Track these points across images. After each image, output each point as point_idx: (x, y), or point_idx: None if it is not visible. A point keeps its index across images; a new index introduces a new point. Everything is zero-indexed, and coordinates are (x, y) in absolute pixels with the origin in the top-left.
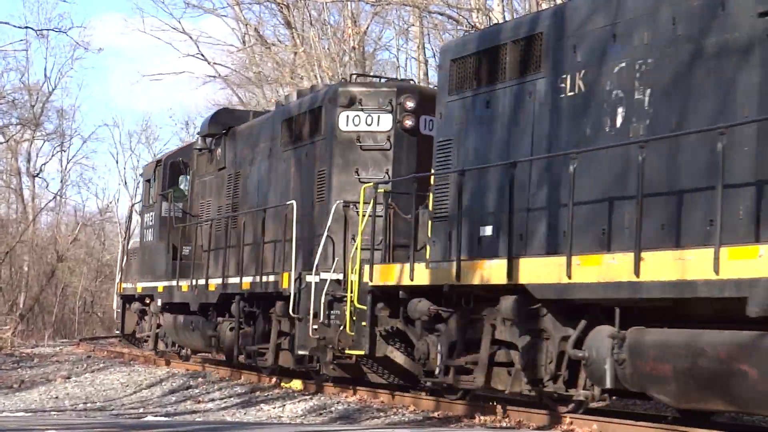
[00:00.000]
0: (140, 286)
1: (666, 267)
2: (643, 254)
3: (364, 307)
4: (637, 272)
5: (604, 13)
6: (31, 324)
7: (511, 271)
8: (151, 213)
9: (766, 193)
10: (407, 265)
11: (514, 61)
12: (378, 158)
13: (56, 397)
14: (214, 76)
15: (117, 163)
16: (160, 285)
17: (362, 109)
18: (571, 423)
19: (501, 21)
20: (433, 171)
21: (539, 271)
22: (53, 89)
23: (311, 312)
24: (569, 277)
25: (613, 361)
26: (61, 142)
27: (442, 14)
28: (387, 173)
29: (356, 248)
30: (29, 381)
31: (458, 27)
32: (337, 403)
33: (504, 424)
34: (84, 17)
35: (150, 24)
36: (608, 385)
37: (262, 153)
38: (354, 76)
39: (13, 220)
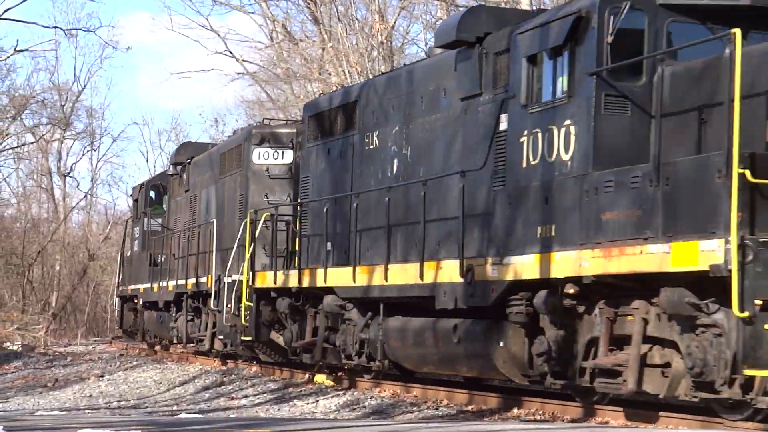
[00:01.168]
0: (130, 288)
1: (398, 275)
2: (390, 266)
3: (251, 303)
4: (386, 278)
5: (388, 90)
6: (63, 323)
7: (326, 278)
8: (137, 227)
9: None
10: (273, 272)
11: (343, 121)
12: (283, 184)
13: (90, 396)
14: (243, 73)
15: (147, 161)
16: (142, 287)
17: (270, 146)
18: (595, 415)
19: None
20: (299, 200)
21: (340, 277)
22: (83, 88)
23: (225, 306)
24: (355, 281)
25: (381, 341)
26: (91, 141)
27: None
28: (289, 197)
29: (246, 258)
30: (63, 380)
31: None
32: (371, 398)
33: (538, 417)
34: (112, 16)
35: (178, 22)
36: (379, 357)
37: (208, 179)
38: (265, 120)
39: (44, 220)
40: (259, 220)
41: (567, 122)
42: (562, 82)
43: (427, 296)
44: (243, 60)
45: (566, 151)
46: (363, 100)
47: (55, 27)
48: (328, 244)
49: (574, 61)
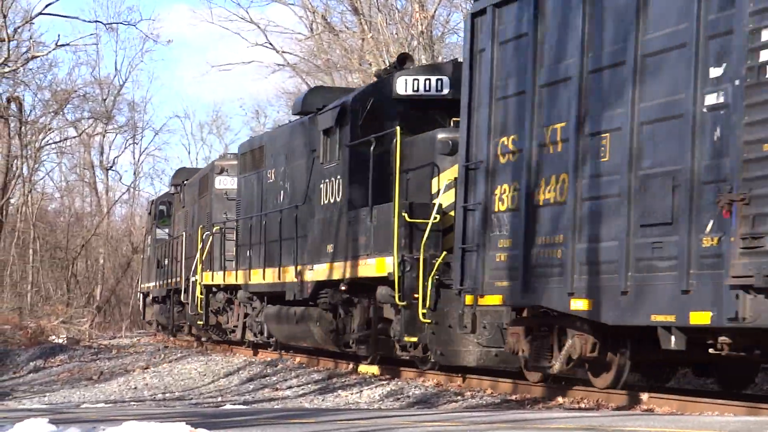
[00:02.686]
0: (145, 286)
1: (269, 276)
2: (267, 270)
3: (201, 297)
4: (263, 278)
5: (279, 139)
6: (107, 316)
7: (236, 278)
8: (150, 236)
9: (303, 244)
10: (211, 273)
11: (257, 159)
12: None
13: (135, 388)
14: (283, 65)
15: (189, 153)
16: (151, 285)
17: (228, 175)
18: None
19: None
20: (236, 218)
21: (243, 277)
22: (124, 82)
23: (189, 299)
24: (246, 279)
25: (264, 322)
26: (133, 134)
27: None
28: None
29: (200, 262)
30: (108, 372)
31: None
32: (414, 387)
33: (583, 405)
34: (153, 9)
35: (218, 14)
36: (266, 334)
37: (192, 199)
38: (228, 154)
39: (87, 214)
40: (212, 234)
41: (338, 177)
42: (335, 150)
43: (277, 291)
44: (283, 51)
45: (338, 195)
46: (267, 146)
47: (96, 21)
48: (247, 251)
49: (340, 137)
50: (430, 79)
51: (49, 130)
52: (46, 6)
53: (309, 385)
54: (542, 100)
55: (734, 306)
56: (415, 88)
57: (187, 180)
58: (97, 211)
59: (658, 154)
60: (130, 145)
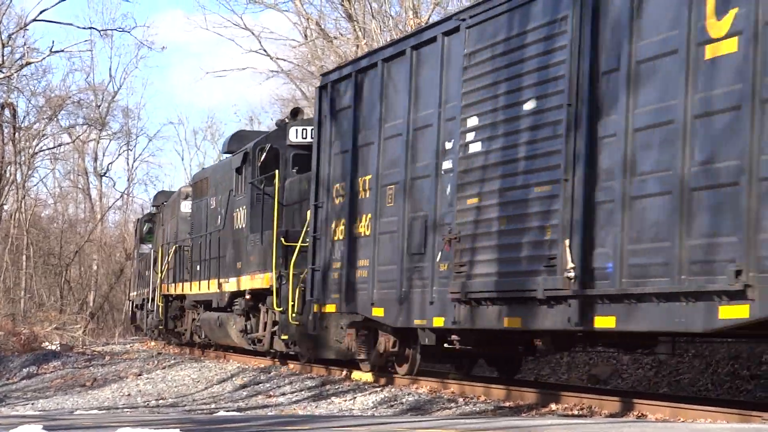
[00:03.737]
0: (131, 294)
1: (203, 287)
2: (202, 282)
3: (161, 304)
4: (199, 289)
5: (219, 172)
6: (101, 322)
7: (182, 288)
8: (136, 250)
9: (224, 261)
10: (166, 285)
11: (204, 188)
12: None
13: (128, 395)
14: (277, 71)
15: (182, 160)
16: (135, 294)
17: (189, 200)
18: (634, 409)
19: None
20: (189, 237)
21: (186, 288)
22: (118, 89)
23: (155, 307)
24: (190, 290)
25: (198, 326)
26: (127, 140)
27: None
28: None
29: (160, 275)
30: (101, 379)
31: None
32: (408, 394)
33: (576, 412)
34: (147, 16)
35: (212, 20)
36: (203, 336)
37: (167, 219)
38: (186, 185)
39: (81, 220)
40: (172, 250)
41: (243, 207)
42: (242, 186)
43: (210, 300)
44: (277, 58)
45: (244, 222)
46: (210, 177)
47: (91, 28)
48: (195, 266)
49: (245, 175)
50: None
51: (43, 136)
52: (41, 12)
53: (302, 392)
54: (358, 157)
55: (453, 313)
56: (304, 136)
57: (165, 202)
58: (90, 217)
59: (416, 204)
60: (124, 151)
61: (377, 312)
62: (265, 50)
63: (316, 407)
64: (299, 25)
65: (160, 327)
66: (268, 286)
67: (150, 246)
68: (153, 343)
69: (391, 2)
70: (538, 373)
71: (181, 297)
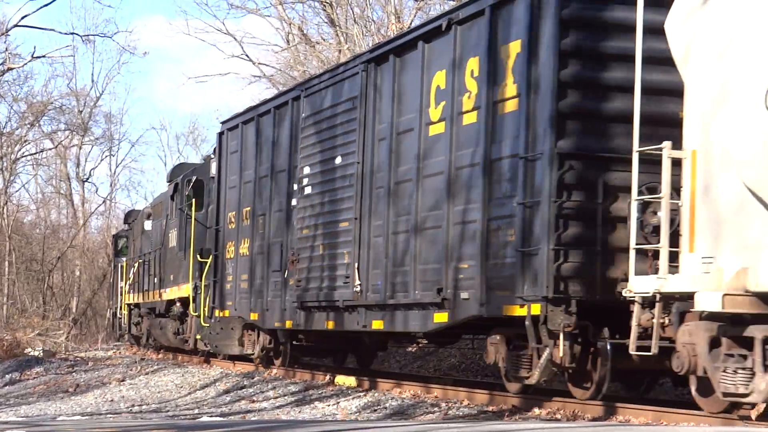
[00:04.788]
0: (110, 303)
1: (149, 297)
2: (152, 292)
3: (126, 312)
4: (149, 299)
5: (165, 199)
6: (84, 328)
7: (140, 297)
8: (113, 263)
9: (164, 274)
10: (132, 294)
11: (160, 210)
12: None
13: (111, 400)
14: (259, 76)
15: (165, 165)
16: (111, 302)
17: (152, 218)
18: (621, 414)
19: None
20: (150, 252)
21: (140, 298)
22: (100, 94)
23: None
24: (143, 299)
25: (149, 330)
26: (110, 146)
27: None
28: None
29: (126, 286)
30: (84, 384)
31: None
32: (391, 398)
33: (559, 416)
34: (129, 21)
35: (194, 26)
36: (152, 339)
37: (136, 236)
38: (149, 206)
39: (63, 226)
40: (132, 264)
41: (175, 229)
42: (174, 211)
43: (155, 307)
44: (260, 63)
45: (175, 242)
46: (163, 200)
47: (72, 33)
48: (150, 278)
49: (176, 202)
50: None
51: (25, 141)
52: (22, 18)
53: (286, 397)
54: (242, 192)
55: (297, 317)
56: None
57: (134, 220)
58: (73, 223)
59: (276, 231)
60: (106, 157)
61: (254, 316)
62: (247, 55)
63: (299, 412)
64: (281, 30)
65: (126, 332)
66: (187, 295)
67: (124, 259)
68: (134, 348)
69: (374, 7)
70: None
71: (139, 305)
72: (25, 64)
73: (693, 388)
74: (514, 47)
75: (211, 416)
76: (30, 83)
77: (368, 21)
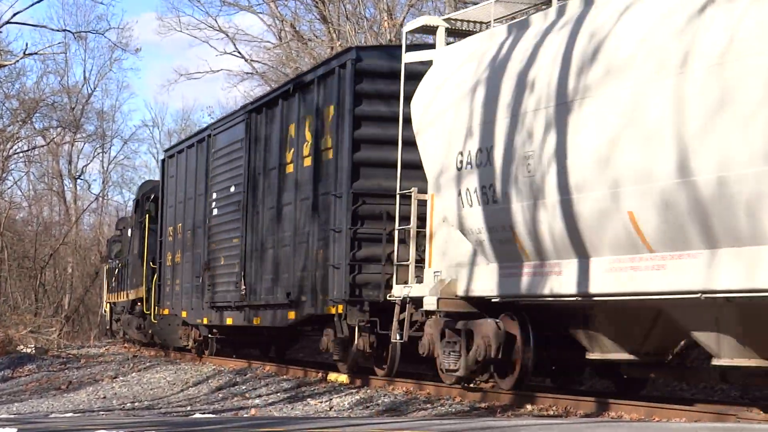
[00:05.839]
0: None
1: (122, 296)
2: (124, 292)
3: (107, 310)
4: (126, 297)
5: (137, 211)
6: (76, 325)
7: (118, 297)
8: (104, 266)
9: (130, 277)
10: (112, 294)
11: (134, 220)
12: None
13: (104, 397)
14: (252, 73)
15: (158, 162)
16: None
17: (129, 228)
18: (618, 409)
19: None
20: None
21: (116, 297)
22: (93, 91)
23: (107, 313)
24: (118, 299)
25: (121, 325)
26: (102, 143)
27: (477, 4)
28: None
29: (105, 287)
30: (77, 382)
31: None
32: (384, 395)
33: (551, 413)
34: (121, 18)
35: (186, 22)
36: (124, 335)
37: (123, 241)
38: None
39: (56, 223)
40: (115, 267)
41: (137, 239)
42: (135, 223)
43: (125, 306)
44: (252, 60)
45: (136, 249)
46: (128, 221)
47: (64, 30)
48: (126, 280)
49: (137, 215)
50: None
51: (17, 138)
52: (14, 15)
53: (278, 394)
54: (176, 210)
55: (211, 314)
56: None
57: (124, 227)
58: (65, 220)
59: (197, 244)
60: (98, 153)
61: (184, 314)
62: (239, 52)
63: (292, 409)
64: (274, 27)
65: (107, 328)
66: (142, 296)
67: (118, 260)
68: (127, 345)
69: (366, 4)
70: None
71: (116, 304)
72: (17, 60)
73: (438, 367)
74: (330, 111)
75: (203, 413)
76: (22, 80)
77: (360, 18)
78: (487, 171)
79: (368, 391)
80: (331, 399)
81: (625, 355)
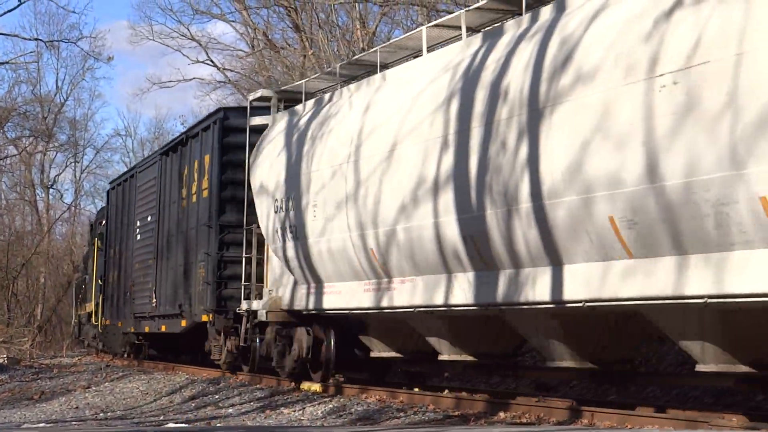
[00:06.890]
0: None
1: (84, 308)
2: (87, 304)
3: (76, 321)
4: (84, 309)
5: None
6: (49, 335)
7: (83, 309)
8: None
9: (88, 291)
10: (89, 303)
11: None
12: None
13: (77, 407)
14: (224, 82)
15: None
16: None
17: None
18: (593, 416)
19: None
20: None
21: (88, 307)
22: (65, 100)
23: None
24: (84, 310)
25: (86, 334)
26: (74, 152)
27: (450, 12)
28: None
29: (74, 298)
30: (49, 392)
31: None
32: (357, 404)
33: (525, 420)
34: (93, 27)
35: (158, 31)
36: (86, 343)
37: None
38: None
39: (28, 232)
40: (83, 282)
41: (91, 258)
42: (93, 243)
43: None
44: (224, 68)
45: (91, 267)
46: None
47: (36, 39)
48: (86, 294)
49: (91, 236)
50: None
51: None
52: None
53: (251, 403)
54: (115, 235)
55: (136, 323)
56: None
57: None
58: (37, 229)
59: (125, 264)
60: (71, 163)
61: (120, 324)
62: (212, 61)
63: (265, 418)
64: (246, 35)
65: (77, 337)
66: (93, 309)
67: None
68: (101, 355)
69: (339, 13)
70: (487, 382)
71: (80, 315)
72: None
73: (274, 365)
74: (208, 158)
75: (176, 423)
76: None
77: (333, 26)
78: (284, 215)
79: (341, 399)
80: (304, 408)
81: (393, 353)
